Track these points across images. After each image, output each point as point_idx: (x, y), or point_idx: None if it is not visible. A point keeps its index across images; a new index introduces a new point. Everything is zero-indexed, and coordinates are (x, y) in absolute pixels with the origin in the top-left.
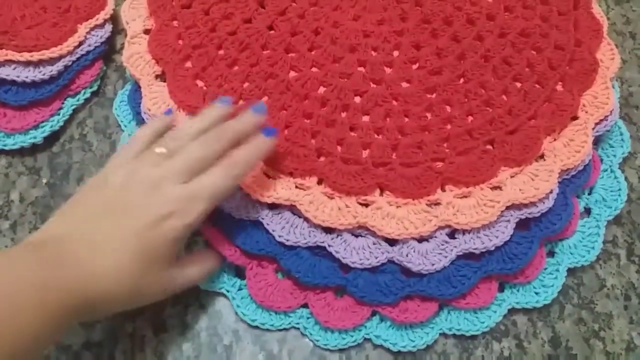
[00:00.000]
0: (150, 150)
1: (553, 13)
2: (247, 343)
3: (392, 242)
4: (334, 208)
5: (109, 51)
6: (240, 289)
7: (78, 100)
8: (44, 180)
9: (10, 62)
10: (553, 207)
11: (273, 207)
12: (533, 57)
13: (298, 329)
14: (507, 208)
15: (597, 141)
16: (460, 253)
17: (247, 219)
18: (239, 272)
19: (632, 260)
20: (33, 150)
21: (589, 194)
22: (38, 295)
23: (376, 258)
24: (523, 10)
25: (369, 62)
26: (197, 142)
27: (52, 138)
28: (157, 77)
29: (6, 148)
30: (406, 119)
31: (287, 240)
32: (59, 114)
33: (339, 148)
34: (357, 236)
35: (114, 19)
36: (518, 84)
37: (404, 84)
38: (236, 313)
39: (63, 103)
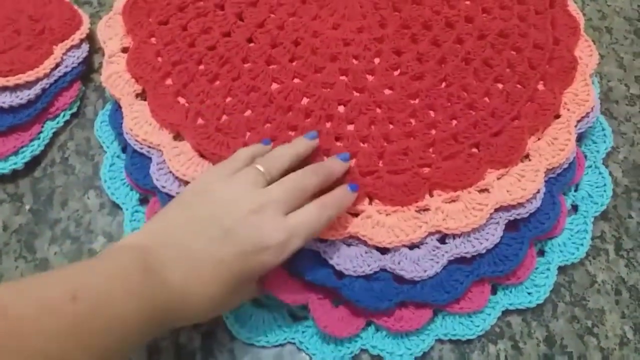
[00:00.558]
0: (251, 167)
1: (530, 12)
2: None
3: (384, 250)
4: None
5: (87, 71)
6: None
7: (58, 123)
8: (27, 207)
9: None
10: (541, 206)
11: None
12: (513, 57)
13: (294, 344)
14: (496, 210)
15: (580, 138)
16: (452, 258)
17: None
18: None
19: (621, 255)
20: (14, 176)
21: (575, 191)
22: (143, 313)
23: (369, 266)
24: (500, 11)
25: (351, 70)
26: (298, 172)
27: (33, 163)
28: (137, 95)
29: None
30: (391, 126)
31: None
32: (39, 138)
33: (325, 159)
34: (349, 245)
35: (91, 38)
36: (500, 85)
37: (387, 91)
38: (230, 332)
39: (43, 127)
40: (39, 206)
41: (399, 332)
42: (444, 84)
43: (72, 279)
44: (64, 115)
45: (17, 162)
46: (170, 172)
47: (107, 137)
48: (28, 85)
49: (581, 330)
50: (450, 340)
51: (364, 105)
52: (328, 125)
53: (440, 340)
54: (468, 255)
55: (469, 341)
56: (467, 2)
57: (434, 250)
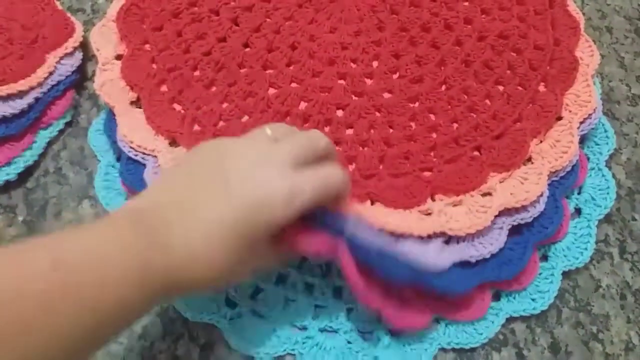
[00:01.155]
0: (260, 130)
1: (530, 13)
2: None
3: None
4: None
5: (80, 79)
6: (231, 319)
7: (51, 133)
8: (20, 218)
9: None
10: (544, 210)
11: None
12: (513, 59)
13: (293, 355)
14: (500, 215)
15: (582, 140)
16: (456, 261)
17: None
18: (229, 302)
19: (625, 258)
20: (7, 187)
21: (578, 194)
22: (140, 274)
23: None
24: (500, 12)
25: (349, 74)
26: (303, 134)
27: (26, 173)
28: (132, 103)
29: None
30: (391, 130)
31: None
32: (32, 148)
33: None
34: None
35: (84, 45)
36: (501, 88)
37: (386, 95)
38: (228, 343)
39: (36, 136)
40: (32, 217)
41: (399, 338)
42: (444, 87)
43: (54, 246)
44: (57, 125)
45: (10, 173)
46: None
47: (102, 146)
48: (21, 94)
49: (586, 336)
50: (453, 349)
51: (363, 109)
52: (327, 129)
53: (443, 349)
54: (472, 260)
55: (472, 349)
56: (466, 4)
57: (439, 253)
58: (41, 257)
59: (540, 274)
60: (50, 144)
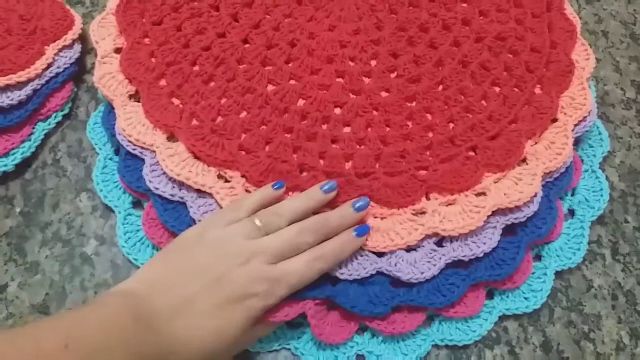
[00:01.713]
0: (249, 220)
1: (527, 15)
2: None
3: (380, 252)
4: None
5: (79, 72)
6: None
7: (49, 125)
8: (18, 209)
9: None
10: (538, 211)
11: None
12: (510, 60)
13: (289, 349)
14: (493, 214)
15: (576, 142)
16: (449, 261)
17: None
18: None
19: (617, 260)
20: (4, 178)
21: (572, 196)
22: (132, 353)
23: (365, 269)
24: (497, 14)
25: (347, 72)
26: (294, 229)
27: (24, 164)
28: (130, 97)
29: None
30: (387, 129)
31: None
32: (30, 140)
33: (321, 162)
34: None
35: (83, 38)
36: (497, 89)
37: (384, 94)
38: None
39: (34, 128)
40: (29, 209)
41: (393, 335)
42: (440, 87)
43: (65, 327)
44: (55, 117)
45: (8, 163)
46: (164, 173)
47: (100, 139)
48: (19, 85)
49: (577, 336)
50: (446, 346)
51: (360, 108)
52: (324, 127)
53: (436, 346)
54: (465, 259)
55: (465, 346)
56: (464, 5)
57: (430, 253)
58: (56, 338)
59: (533, 273)
60: (48, 136)
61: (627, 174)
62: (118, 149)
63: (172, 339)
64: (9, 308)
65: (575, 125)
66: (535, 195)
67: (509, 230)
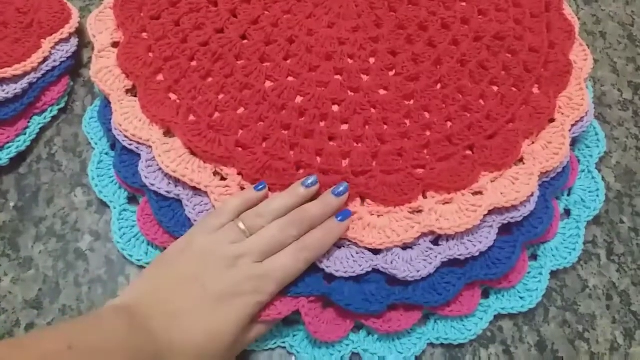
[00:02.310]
0: (233, 225)
1: (526, 15)
2: None
3: (376, 251)
4: None
5: (75, 66)
6: None
7: (45, 119)
8: (12, 204)
9: None
10: (534, 210)
11: None
12: (508, 60)
13: (284, 347)
14: (490, 213)
15: (573, 142)
16: (445, 260)
17: None
18: None
19: (612, 260)
20: None
21: (568, 196)
22: (131, 354)
23: (360, 266)
24: (496, 13)
25: (346, 70)
26: (276, 226)
27: (19, 159)
28: (127, 91)
29: None
30: (385, 127)
31: None
32: (25, 134)
33: (318, 159)
34: (339, 247)
35: (80, 32)
36: (495, 88)
37: (382, 91)
38: None
39: (29, 122)
40: (23, 203)
41: (388, 334)
42: (439, 86)
43: (68, 332)
44: (51, 111)
45: (2, 157)
46: (160, 169)
47: (96, 134)
48: (15, 79)
49: (572, 335)
50: (442, 345)
51: (358, 105)
52: (322, 124)
53: (432, 344)
54: (461, 258)
55: (460, 345)
56: (463, 4)
57: (427, 252)
58: (59, 340)
59: (529, 272)
60: (43, 130)
61: (623, 174)
62: (114, 144)
63: (169, 346)
64: (2, 304)
65: (573, 125)
66: (532, 195)
67: (505, 229)
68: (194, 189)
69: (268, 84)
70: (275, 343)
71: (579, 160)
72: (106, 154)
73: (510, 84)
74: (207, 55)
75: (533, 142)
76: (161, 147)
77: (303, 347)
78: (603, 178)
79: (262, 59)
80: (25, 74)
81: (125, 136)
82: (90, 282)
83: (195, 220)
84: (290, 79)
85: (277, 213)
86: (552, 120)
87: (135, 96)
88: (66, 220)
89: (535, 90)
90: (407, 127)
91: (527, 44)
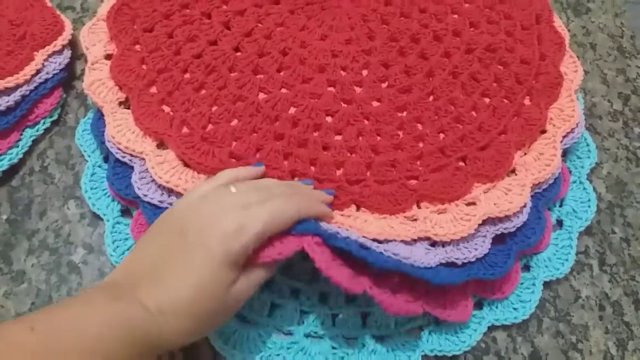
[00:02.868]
0: (224, 186)
1: (517, 28)
2: None
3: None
4: None
5: (68, 78)
6: None
7: (38, 131)
8: (4, 217)
9: None
10: (527, 221)
11: None
12: (500, 72)
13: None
14: (483, 223)
15: (565, 153)
16: (443, 261)
17: None
18: None
19: (605, 270)
20: None
21: (560, 206)
22: (126, 334)
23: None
24: (488, 26)
25: (339, 82)
26: (263, 181)
27: (11, 171)
28: (120, 103)
29: None
30: (379, 138)
31: None
32: (17, 146)
33: (312, 168)
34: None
35: (73, 44)
36: (487, 100)
37: (375, 103)
38: (213, 347)
39: (22, 134)
40: (16, 216)
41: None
42: (431, 98)
43: (31, 315)
44: (44, 123)
45: None
46: (153, 180)
47: (89, 146)
48: (7, 91)
49: (565, 346)
50: (436, 356)
51: (351, 117)
52: (316, 134)
53: (426, 356)
54: (458, 262)
55: (454, 357)
56: (455, 16)
57: (425, 253)
58: (21, 323)
59: (521, 283)
60: (36, 142)
61: (614, 185)
62: (107, 156)
63: (159, 310)
64: None
65: (564, 136)
66: (524, 206)
67: (498, 240)
68: None
69: (261, 95)
70: (270, 355)
71: (570, 171)
72: (99, 166)
73: (501, 96)
74: (201, 68)
75: (525, 154)
76: (154, 159)
77: None
78: (594, 189)
79: (255, 71)
80: (18, 86)
81: (119, 148)
82: None
83: None
84: (283, 90)
85: (275, 190)
86: (543, 132)
87: (128, 108)
88: (59, 233)
89: (527, 101)
90: (400, 138)
91: (518, 55)
